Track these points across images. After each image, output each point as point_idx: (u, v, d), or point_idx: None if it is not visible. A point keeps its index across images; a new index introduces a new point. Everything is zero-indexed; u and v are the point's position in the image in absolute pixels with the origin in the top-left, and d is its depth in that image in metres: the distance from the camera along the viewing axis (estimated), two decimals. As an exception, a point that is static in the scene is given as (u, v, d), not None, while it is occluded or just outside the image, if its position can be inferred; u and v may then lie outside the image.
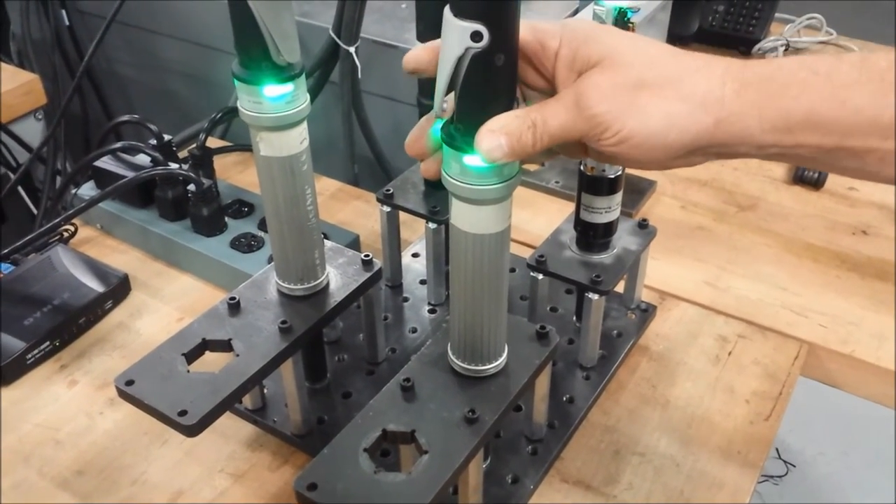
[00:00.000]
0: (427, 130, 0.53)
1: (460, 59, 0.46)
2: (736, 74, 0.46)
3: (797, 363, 0.81)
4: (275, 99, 0.58)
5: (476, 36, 0.45)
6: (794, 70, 0.45)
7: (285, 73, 0.57)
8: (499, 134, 0.47)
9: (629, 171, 1.05)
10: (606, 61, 0.47)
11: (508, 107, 0.49)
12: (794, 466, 1.75)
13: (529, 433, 0.70)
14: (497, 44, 0.45)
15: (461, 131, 0.49)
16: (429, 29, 0.69)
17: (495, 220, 0.53)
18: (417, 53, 0.50)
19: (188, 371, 0.61)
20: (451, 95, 0.49)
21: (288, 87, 0.58)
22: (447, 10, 0.46)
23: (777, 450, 1.76)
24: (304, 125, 0.61)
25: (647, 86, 0.46)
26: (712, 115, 0.45)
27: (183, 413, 0.57)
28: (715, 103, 0.45)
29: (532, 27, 0.49)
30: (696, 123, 0.45)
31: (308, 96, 0.60)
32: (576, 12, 1.23)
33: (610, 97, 0.46)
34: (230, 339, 0.63)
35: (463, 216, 0.53)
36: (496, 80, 0.47)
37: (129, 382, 0.60)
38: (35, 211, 1.41)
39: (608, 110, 0.46)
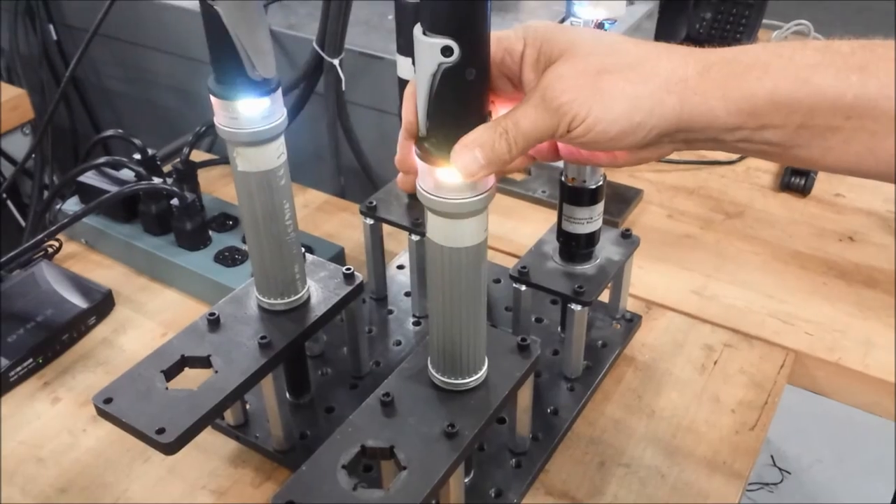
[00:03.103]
0: (410, 146, 0.52)
1: (432, 75, 0.46)
2: (699, 57, 0.46)
3: (783, 371, 0.80)
4: (251, 114, 0.57)
5: (446, 51, 0.45)
6: (758, 52, 0.46)
7: (261, 88, 0.57)
8: (472, 147, 0.47)
9: (615, 179, 1.06)
10: (567, 54, 0.47)
11: (481, 121, 0.49)
12: (790, 474, 1.75)
13: (513, 446, 0.70)
14: (467, 58, 0.45)
15: (434, 145, 0.49)
16: (410, 43, 0.68)
17: (471, 233, 0.52)
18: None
19: (167, 388, 0.60)
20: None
21: (264, 103, 0.58)
22: (417, 28, 0.46)
23: (772, 457, 1.76)
24: (282, 140, 0.61)
25: (608, 71, 0.46)
26: (676, 94, 0.45)
27: (161, 431, 0.57)
28: (678, 83, 0.45)
29: (496, 37, 0.49)
30: (660, 104, 0.45)
31: (285, 111, 0.60)
32: (563, 20, 1.23)
33: (572, 87, 0.46)
34: (209, 356, 0.62)
35: (438, 230, 0.53)
36: (468, 94, 0.47)
37: (108, 400, 0.59)
38: (24, 225, 1.41)
39: (572, 99, 0.46)
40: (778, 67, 0.45)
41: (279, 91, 0.59)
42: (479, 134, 0.47)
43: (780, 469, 1.75)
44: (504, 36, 0.49)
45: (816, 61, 0.44)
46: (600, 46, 0.47)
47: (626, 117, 0.45)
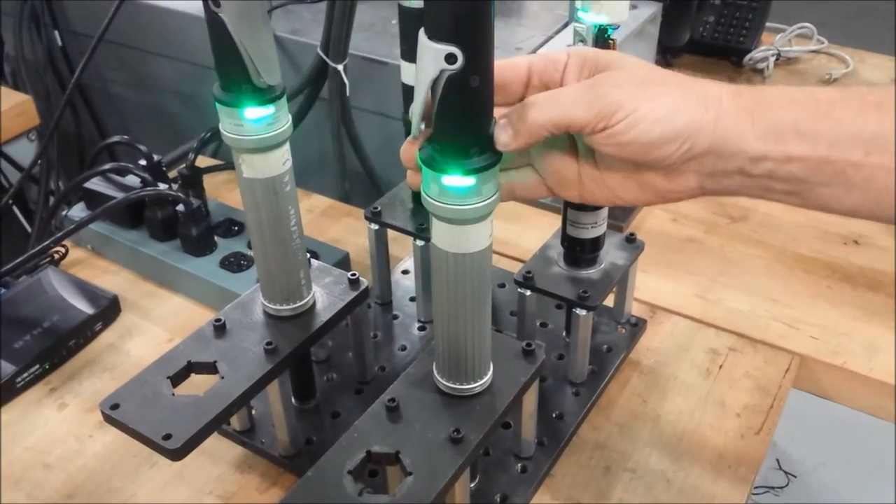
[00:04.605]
0: (415, 145, 0.52)
1: (435, 81, 0.46)
2: (728, 86, 0.49)
3: (788, 376, 0.80)
4: (256, 121, 0.58)
5: (450, 58, 0.45)
6: (780, 88, 0.48)
7: (266, 95, 0.57)
8: (504, 123, 0.49)
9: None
10: (615, 65, 0.50)
11: (486, 127, 0.49)
12: (795, 477, 1.74)
13: (518, 451, 0.70)
14: (472, 65, 0.45)
15: (439, 152, 0.49)
16: (413, 48, 0.69)
17: (476, 239, 0.52)
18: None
19: (173, 394, 0.60)
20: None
21: (269, 110, 0.58)
22: (422, 32, 0.46)
23: (777, 460, 1.75)
24: (287, 146, 0.61)
25: (653, 82, 0.49)
26: (712, 111, 0.47)
27: (167, 437, 0.57)
28: (714, 100, 0.47)
29: (539, 55, 0.53)
30: (699, 117, 0.47)
31: (290, 118, 0.60)
32: (565, 26, 1.24)
33: (622, 85, 0.48)
34: (215, 361, 0.63)
35: (443, 236, 0.53)
36: (472, 101, 0.47)
37: (115, 406, 0.59)
38: (30, 231, 1.41)
39: (619, 93, 0.48)
40: (801, 100, 0.47)
41: (284, 98, 0.59)
42: (506, 110, 0.50)
43: (785, 472, 1.75)
44: (550, 52, 0.53)
45: (836, 98, 0.46)
46: (643, 65, 0.50)
47: (668, 120, 0.47)
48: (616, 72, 0.49)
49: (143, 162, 0.93)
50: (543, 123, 0.49)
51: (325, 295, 0.70)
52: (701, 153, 0.47)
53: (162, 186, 0.91)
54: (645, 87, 0.48)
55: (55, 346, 0.82)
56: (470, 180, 0.49)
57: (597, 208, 0.72)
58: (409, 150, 0.52)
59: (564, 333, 0.83)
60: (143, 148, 0.93)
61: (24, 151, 1.37)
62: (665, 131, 0.47)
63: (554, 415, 0.75)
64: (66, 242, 0.95)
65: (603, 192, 0.53)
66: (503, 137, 0.49)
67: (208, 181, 1.01)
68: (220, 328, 0.66)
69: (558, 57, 0.52)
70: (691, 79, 0.49)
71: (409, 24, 0.73)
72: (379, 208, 0.82)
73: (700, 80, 0.49)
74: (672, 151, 0.47)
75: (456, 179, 0.49)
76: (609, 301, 0.82)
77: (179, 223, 0.89)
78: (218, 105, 0.58)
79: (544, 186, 0.55)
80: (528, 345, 0.63)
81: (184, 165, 0.96)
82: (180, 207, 0.89)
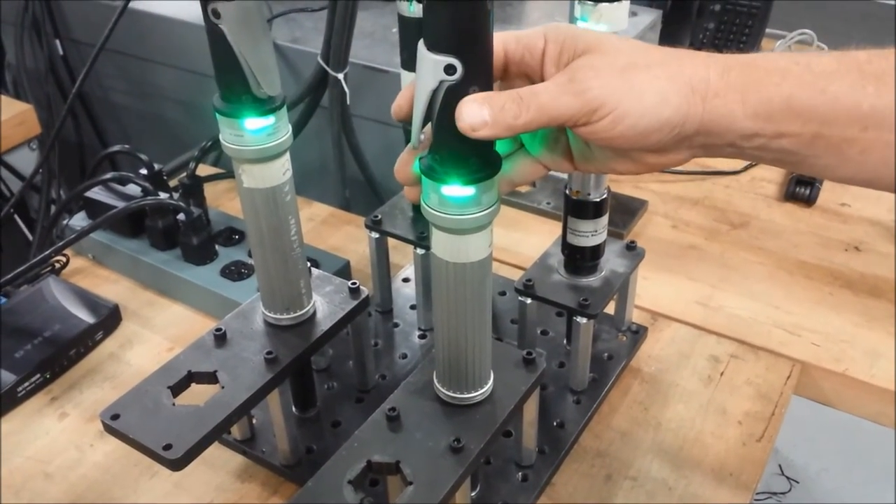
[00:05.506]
0: (412, 158, 0.52)
1: (435, 92, 0.46)
2: (718, 60, 0.46)
3: (790, 383, 0.80)
4: (256, 132, 0.58)
5: (449, 69, 0.45)
6: (776, 59, 0.46)
7: (266, 105, 0.57)
8: (481, 103, 0.46)
9: (620, 190, 1.06)
10: (593, 49, 0.47)
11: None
12: (798, 483, 1.74)
13: (519, 459, 0.70)
14: (471, 76, 0.45)
15: (439, 162, 0.49)
16: (413, 57, 0.69)
17: (475, 249, 0.52)
18: (399, 103, 0.50)
19: (174, 404, 0.60)
20: (429, 127, 0.49)
21: (269, 120, 0.58)
22: (421, 43, 0.46)
23: (780, 466, 1.75)
24: (287, 156, 0.61)
25: (637, 67, 0.46)
26: (699, 94, 0.45)
27: (168, 447, 0.57)
28: (701, 83, 0.45)
29: (515, 35, 0.49)
30: (686, 102, 0.45)
31: (290, 128, 0.60)
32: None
33: (603, 76, 0.45)
34: (216, 371, 0.63)
35: (443, 245, 0.53)
36: (471, 111, 0.47)
37: (115, 416, 0.59)
38: (31, 240, 1.41)
39: (602, 87, 0.45)
40: (795, 74, 0.44)
41: (284, 108, 0.59)
42: (490, 93, 0.46)
43: (788, 478, 1.75)
44: (523, 34, 0.49)
45: (833, 69, 0.44)
46: (625, 46, 0.47)
47: (654, 112, 0.45)
48: (595, 58, 0.46)
49: (143, 171, 0.94)
50: (522, 124, 0.46)
51: (325, 304, 0.70)
52: (690, 134, 0.46)
53: (163, 195, 0.91)
54: (627, 76, 0.45)
55: (56, 355, 0.82)
56: (469, 190, 0.49)
57: (597, 217, 0.72)
58: (405, 166, 0.52)
59: (565, 341, 0.83)
60: (143, 157, 0.94)
61: (26, 160, 1.37)
62: (652, 123, 0.45)
63: (555, 423, 0.74)
64: (67, 251, 0.95)
65: (597, 166, 0.52)
66: (476, 120, 0.45)
67: (209, 190, 1.01)
68: (220, 338, 0.66)
69: (535, 42, 0.49)
70: (678, 56, 0.47)
71: (410, 32, 0.73)
72: (379, 217, 0.82)
73: (688, 56, 0.47)
74: (661, 138, 0.46)
75: (455, 189, 0.49)
76: (610, 308, 0.82)
77: (180, 232, 0.90)
78: (218, 116, 0.58)
79: (540, 165, 0.53)
80: (529, 353, 0.63)
81: (184, 174, 0.96)
82: (181, 216, 0.89)
